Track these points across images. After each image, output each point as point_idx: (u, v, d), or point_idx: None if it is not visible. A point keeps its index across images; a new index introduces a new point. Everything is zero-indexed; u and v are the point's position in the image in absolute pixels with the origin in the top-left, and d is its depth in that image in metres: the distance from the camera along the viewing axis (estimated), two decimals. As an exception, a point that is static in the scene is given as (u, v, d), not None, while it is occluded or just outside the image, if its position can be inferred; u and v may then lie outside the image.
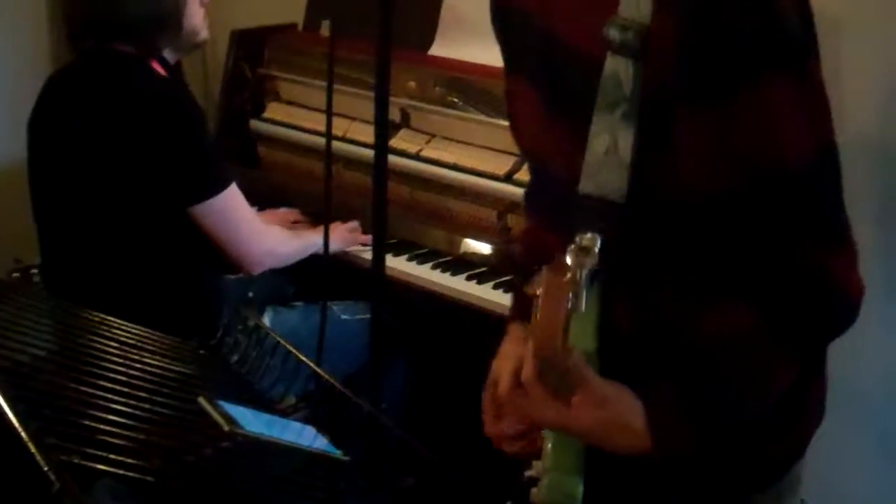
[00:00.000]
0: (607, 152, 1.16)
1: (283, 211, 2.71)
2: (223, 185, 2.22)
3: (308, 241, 2.44)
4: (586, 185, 1.18)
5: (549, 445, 1.16)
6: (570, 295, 0.97)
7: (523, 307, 1.35)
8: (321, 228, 2.49)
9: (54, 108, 2.28)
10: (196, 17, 2.32)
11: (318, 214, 2.69)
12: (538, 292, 0.97)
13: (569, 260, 0.98)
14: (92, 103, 2.19)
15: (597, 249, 0.98)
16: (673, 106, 1.14)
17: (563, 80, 1.25)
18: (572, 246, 0.98)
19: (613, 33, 1.13)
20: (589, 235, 1.00)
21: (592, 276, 1.02)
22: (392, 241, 2.51)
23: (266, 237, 2.35)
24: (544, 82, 1.28)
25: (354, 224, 2.57)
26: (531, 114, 1.33)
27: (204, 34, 2.38)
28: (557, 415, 1.12)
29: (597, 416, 1.13)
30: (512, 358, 1.23)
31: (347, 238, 2.55)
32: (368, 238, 2.45)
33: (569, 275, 0.98)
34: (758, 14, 1.11)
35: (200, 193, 2.20)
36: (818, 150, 1.16)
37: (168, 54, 2.30)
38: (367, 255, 2.39)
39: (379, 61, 1.49)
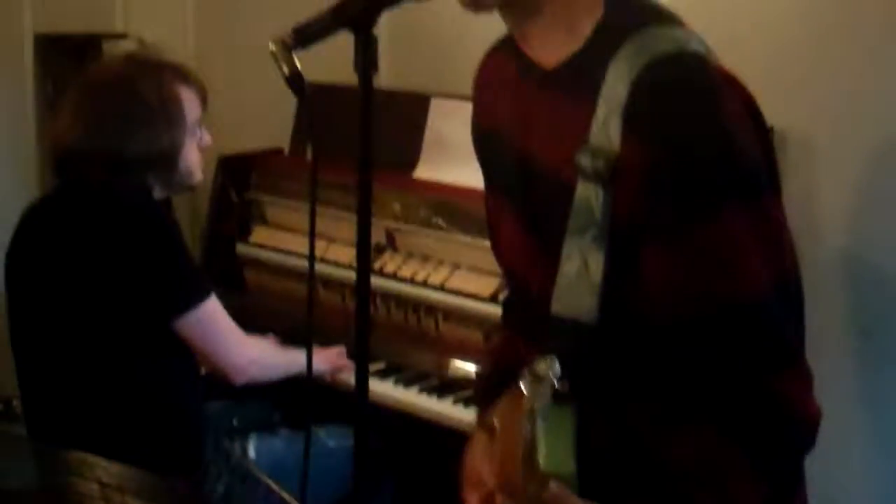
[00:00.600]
0: (578, 274, 1.19)
1: (262, 338, 2.67)
2: (203, 296, 2.21)
3: (295, 358, 2.42)
4: (557, 307, 1.21)
5: None
6: (528, 425, 0.96)
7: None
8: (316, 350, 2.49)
9: (30, 237, 2.28)
10: (192, 158, 2.32)
11: (302, 339, 2.68)
12: (496, 424, 0.95)
13: (524, 389, 0.98)
14: (67, 228, 2.19)
15: (552, 374, 0.97)
16: (639, 232, 1.17)
17: (538, 201, 1.28)
18: (527, 375, 0.97)
19: (584, 160, 1.17)
20: (543, 362, 0.99)
21: (562, 396, 1.01)
22: (378, 363, 2.50)
23: (251, 346, 2.34)
24: (520, 201, 1.31)
25: (341, 348, 2.55)
26: (509, 230, 1.37)
27: (198, 176, 2.38)
28: None
29: None
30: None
31: (334, 361, 2.52)
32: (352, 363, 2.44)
33: (525, 405, 0.96)
34: (719, 149, 1.16)
35: (181, 305, 2.18)
36: (775, 281, 1.19)
37: (156, 192, 2.30)
38: (353, 378, 2.40)
39: (361, 183, 1.49)
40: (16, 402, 2.51)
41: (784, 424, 1.20)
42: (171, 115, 2.24)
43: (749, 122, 1.20)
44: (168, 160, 2.25)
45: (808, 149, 2.19)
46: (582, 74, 1.22)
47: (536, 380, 0.98)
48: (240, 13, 3.40)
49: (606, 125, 1.17)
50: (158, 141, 2.22)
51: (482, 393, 1.63)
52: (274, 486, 1.45)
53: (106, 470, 1.38)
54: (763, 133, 1.23)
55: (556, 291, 1.21)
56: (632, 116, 1.16)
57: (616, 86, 1.16)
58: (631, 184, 1.16)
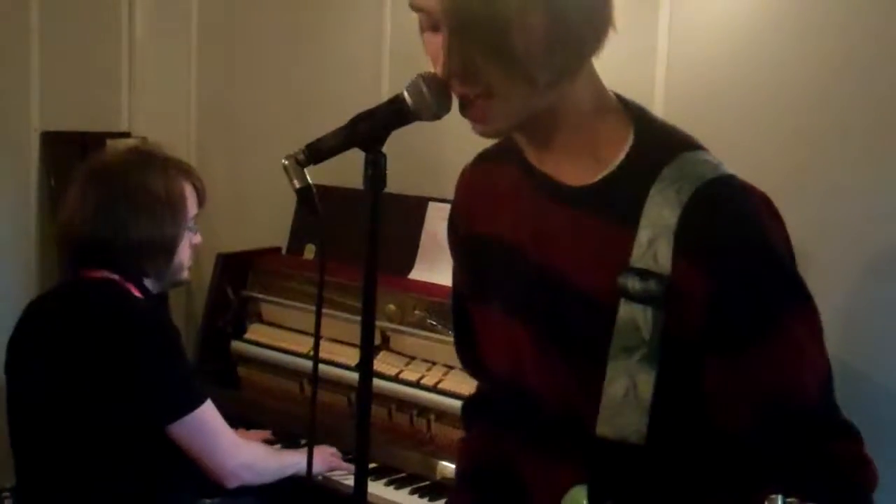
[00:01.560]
0: (626, 395, 1.19)
1: (254, 432, 2.71)
2: (197, 402, 2.22)
3: (288, 461, 2.42)
4: (604, 429, 1.21)
5: None
6: None
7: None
8: (303, 450, 2.49)
9: (33, 331, 2.30)
10: (185, 254, 2.36)
11: (294, 436, 2.69)
12: None
13: None
14: (69, 326, 2.21)
15: None
16: (699, 352, 1.20)
17: (565, 319, 1.28)
18: None
19: (633, 283, 1.18)
20: None
21: None
22: (371, 464, 2.49)
23: (244, 451, 2.34)
24: (540, 318, 1.31)
25: (334, 449, 2.56)
26: (511, 345, 1.36)
27: (186, 274, 2.42)
28: None
29: None
30: None
31: (330, 462, 2.52)
32: (350, 466, 2.44)
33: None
34: (773, 266, 1.21)
35: (176, 411, 2.19)
36: (824, 378, 1.25)
37: (150, 283, 2.33)
38: (348, 480, 2.40)
39: (366, 290, 1.52)
40: (6, 494, 2.49)
41: (849, 480, 1.23)
42: (174, 208, 2.29)
43: (783, 230, 1.26)
44: (166, 252, 2.29)
45: (802, 259, 2.22)
46: (615, 197, 1.24)
47: None
48: (241, 116, 3.49)
49: (654, 248, 1.19)
50: (160, 231, 2.27)
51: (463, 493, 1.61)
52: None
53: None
54: (788, 238, 1.28)
55: (602, 414, 1.21)
56: (685, 240, 1.18)
57: (663, 209, 1.19)
58: (687, 304, 1.18)
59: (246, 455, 2.34)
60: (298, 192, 1.24)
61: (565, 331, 1.28)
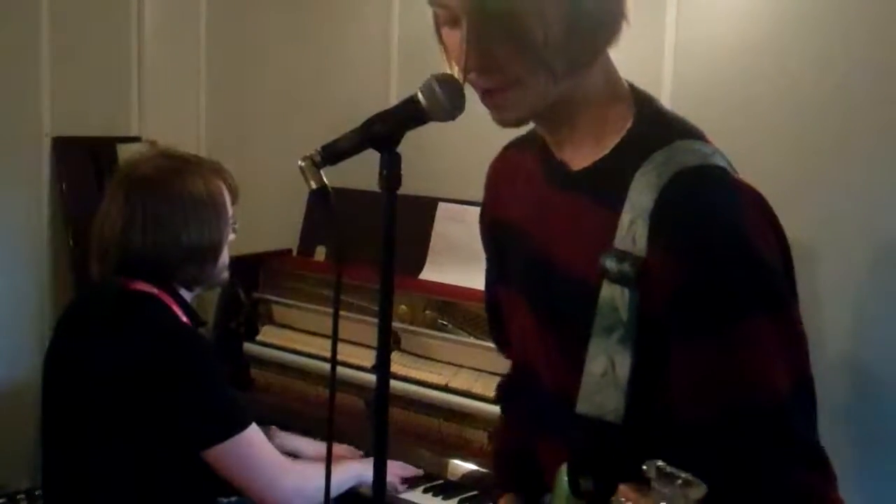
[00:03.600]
0: (605, 374, 1.21)
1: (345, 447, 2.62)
2: (241, 426, 2.17)
3: (346, 475, 2.36)
4: (583, 406, 1.23)
5: None
6: None
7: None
8: (365, 461, 2.46)
9: (74, 344, 2.26)
10: (226, 255, 2.35)
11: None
12: None
13: (670, 490, 0.94)
14: (114, 345, 2.18)
15: (702, 487, 0.94)
16: (667, 332, 1.20)
17: (556, 299, 1.31)
18: (676, 476, 0.94)
19: (610, 263, 1.20)
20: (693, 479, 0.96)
21: (586, 494, 1.02)
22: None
23: (291, 475, 2.24)
24: (538, 300, 1.35)
25: (407, 466, 2.51)
26: (523, 325, 1.40)
27: (227, 274, 2.41)
28: None
29: None
30: None
31: (398, 473, 2.47)
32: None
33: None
34: (745, 263, 1.20)
35: (216, 436, 2.15)
36: (795, 383, 1.22)
37: (189, 293, 2.31)
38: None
39: (383, 289, 1.53)
40: (20, 496, 2.51)
41: None
42: (217, 210, 2.28)
43: (771, 234, 1.25)
44: (213, 254, 2.28)
45: (811, 256, 2.24)
46: (605, 180, 1.27)
47: (687, 485, 0.95)
48: (250, 118, 3.51)
49: (632, 230, 1.21)
50: (209, 236, 2.25)
51: (503, 475, 1.65)
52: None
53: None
54: (783, 241, 1.27)
55: (581, 391, 1.23)
56: (659, 223, 1.20)
57: (643, 193, 1.21)
58: (659, 287, 1.19)
59: (294, 480, 2.24)
60: (315, 192, 1.25)
61: (558, 312, 1.31)
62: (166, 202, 2.22)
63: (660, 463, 0.93)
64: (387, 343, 1.55)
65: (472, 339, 2.57)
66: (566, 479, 1.27)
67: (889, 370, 2.21)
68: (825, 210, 2.27)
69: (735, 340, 1.18)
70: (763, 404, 1.20)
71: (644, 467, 0.93)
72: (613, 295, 1.21)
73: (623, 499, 0.96)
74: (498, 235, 1.49)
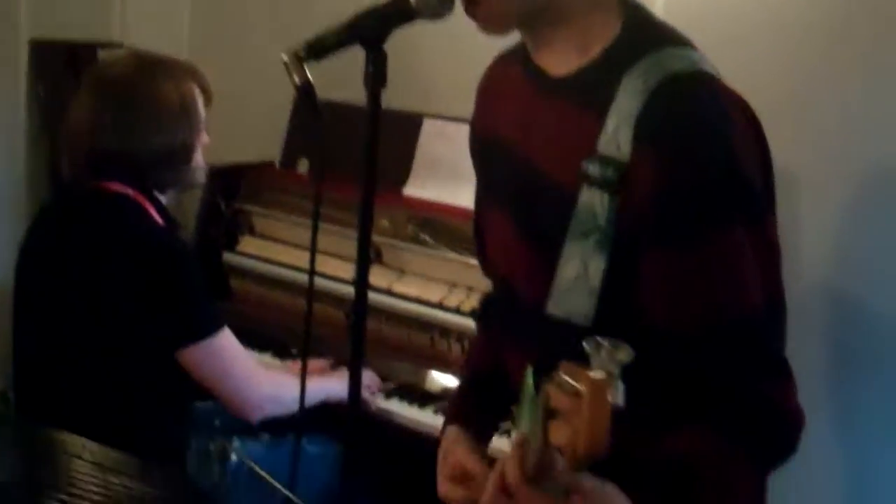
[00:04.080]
0: (577, 277, 1.22)
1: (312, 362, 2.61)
2: (215, 329, 2.19)
3: (318, 388, 2.37)
4: (553, 307, 1.24)
5: None
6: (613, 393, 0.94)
7: (463, 411, 1.50)
8: (339, 372, 2.50)
9: (48, 244, 2.27)
10: (200, 157, 2.35)
11: (288, 349, 2.72)
12: (580, 389, 0.94)
13: (602, 355, 0.96)
14: (89, 246, 2.19)
15: (629, 350, 0.97)
16: (642, 240, 1.20)
17: (537, 207, 1.31)
18: (605, 343, 0.96)
19: (592, 168, 1.21)
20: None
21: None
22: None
23: (265, 381, 2.28)
24: (519, 208, 1.35)
25: (375, 377, 2.54)
26: (501, 238, 1.40)
27: (202, 175, 2.42)
28: None
29: None
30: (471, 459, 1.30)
31: (367, 388, 2.48)
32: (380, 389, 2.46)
33: (604, 373, 0.95)
34: (727, 171, 1.20)
35: (190, 336, 2.17)
36: (768, 298, 1.24)
37: (163, 195, 2.31)
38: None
39: (363, 203, 1.53)
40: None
41: (775, 424, 1.24)
42: (189, 113, 2.27)
43: (755, 145, 1.25)
44: (185, 157, 2.28)
45: (792, 179, 2.24)
46: (591, 86, 1.26)
47: (615, 348, 0.97)
48: (235, 25, 3.45)
49: (617, 135, 1.20)
50: (179, 138, 2.25)
51: (458, 405, 1.66)
52: (265, 475, 1.48)
53: (96, 452, 1.41)
54: (765, 154, 1.27)
55: (552, 293, 1.24)
56: (644, 128, 1.19)
57: (630, 98, 1.21)
58: (639, 192, 1.19)
59: (268, 386, 2.28)
60: (299, 88, 1.24)
61: (538, 220, 1.31)
62: (137, 104, 2.22)
63: (598, 337, 0.96)
64: (366, 252, 1.56)
65: (453, 255, 2.58)
66: (532, 381, 1.28)
67: (867, 293, 2.24)
68: (809, 133, 2.26)
69: (713, 251, 1.20)
70: (738, 318, 1.22)
71: (584, 343, 0.95)
72: (593, 200, 1.21)
73: (563, 373, 0.98)
74: (484, 152, 1.48)
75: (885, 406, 2.21)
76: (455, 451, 1.50)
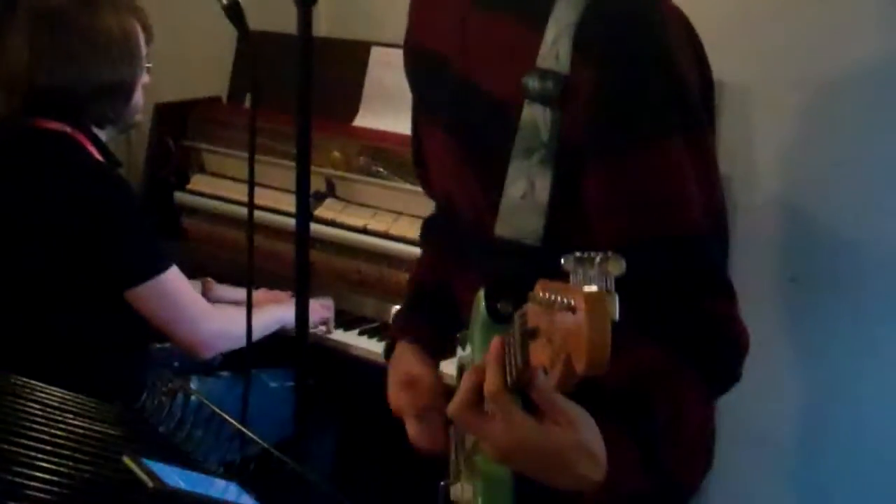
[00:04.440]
0: (524, 196, 1.20)
1: (262, 291, 2.61)
2: (162, 268, 2.17)
3: (269, 317, 2.36)
4: (502, 229, 1.22)
5: (479, 496, 1.15)
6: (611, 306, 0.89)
7: (412, 325, 1.49)
8: (288, 303, 2.45)
9: None
10: (139, 96, 2.31)
11: (242, 285, 2.69)
12: (575, 305, 0.88)
13: (590, 270, 0.91)
14: (30, 186, 2.16)
15: (621, 260, 0.93)
16: (585, 155, 1.19)
17: (478, 126, 1.29)
18: (596, 256, 0.92)
19: (532, 82, 1.18)
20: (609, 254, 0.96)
21: (503, 317, 1.02)
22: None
23: (215, 317, 2.27)
24: (459, 128, 1.32)
25: (327, 301, 2.53)
26: (443, 159, 1.38)
27: (140, 116, 2.38)
28: (522, 427, 1.06)
29: (569, 437, 1.07)
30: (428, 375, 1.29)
31: (319, 314, 2.48)
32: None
33: (600, 287, 0.90)
34: (666, 82, 1.18)
35: (137, 276, 2.15)
36: (709, 213, 1.22)
37: (102, 132, 2.27)
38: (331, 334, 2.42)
39: (299, 130, 1.51)
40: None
41: (722, 342, 1.23)
42: (130, 48, 2.22)
43: (694, 58, 1.23)
44: (126, 94, 2.24)
45: (745, 97, 2.23)
46: None
47: (606, 260, 0.93)
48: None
49: (556, 46, 1.18)
50: (119, 75, 2.20)
51: (404, 320, 1.64)
52: (216, 410, 1.47)
53: (47, 394, 1.39)
54: (704, 68, 1.26)
55: (500, 214, 1.22)
56: (582, 38, 1.17)
57: (568, 9, 1.18)
58: (580, 106, 1.17)
59: (218, 322, 2.27)
60: (226, 8, 1.21)
61: (479, 139, 1.29)
62: (76, 37, 2.16)
63: (577, 253, 0.91)
64: (306, 178, 1.54)
65: (407, 185, 2.56)
66: (484, 304, 1.27)
67: (819, 208, 2.25)
68: (759, 48, 2.25)
69: (652, 161, 1.18)
70: (680, 233, 1.20)
71: (562, 261, 0.92)
72: (535, 116, 1.19)
73: (541, 292, 0.94)
74: (419, 67, 1.45)
75: (840, 322, 2.23)
76: (402, 360, 1.50)
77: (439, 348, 1.56)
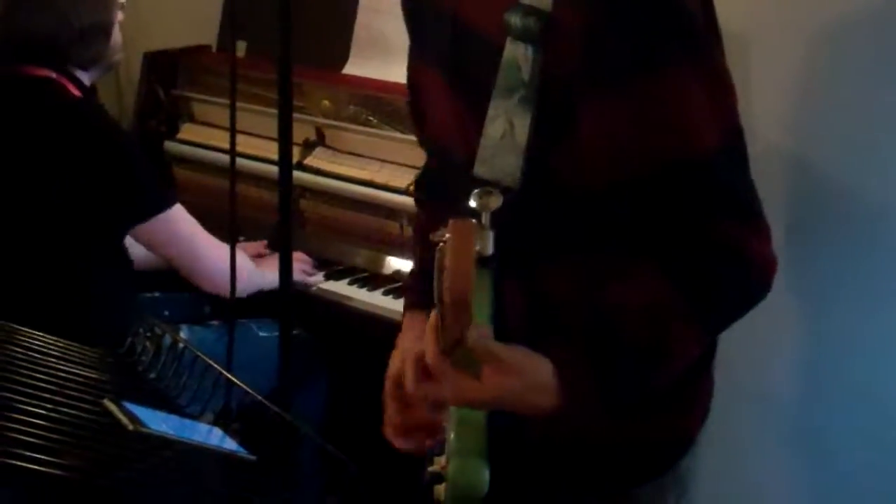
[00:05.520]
0: (503, 136, 1.18)
1: (249, 244, 2.63)
2: (167, 204, 2.19)
3: (272, 276, 2.38)
4: (480, 169, 1.20)
5: (452, 434, 1.15)
6: (478, 238, 0.91)
7: (419, 297, 1.42)
8: (275, 259, 2.46)
9: None
10: (118, 34, 2.30)
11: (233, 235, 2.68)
12: (444, 238, 0.91)
13: (473, 203, 0.94)
14: (12, 129, 2.15)
15: (499, 196, 0.95)
16: (576, 93, 1.16)
17: (468, 66, 1.27)
18: (476, 191, 0.93)
19: (514, 19, 1.15)
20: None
21: (484, 260, 1.02)
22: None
23: (223, 254, 2.22)
24: (452, 69, 1.30)
25: (306, 258, 2.52)
26: (437, 102, 1.36)
27: (120, 55, 2.37)
28: (468, 389, 1.09)
29: (509, 383, 1.10)
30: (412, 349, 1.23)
31: (305, 270, 2.48)
32: (313, 272, 2.45)
33: (475, 218, 0.92)
34: (660, 6, 1.14)
35: (142, 213, 2.17)
36: (724, 133, 1.19)
37: (84, 75, 2.26)
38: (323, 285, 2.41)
39: (281, 76, 1.49)
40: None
41: (740, 271, 1.20)
42: None
43: None
44: (104, 34, 2.23)
45: (743, 45, 2.21)
46: None
47: (486, 194, 0.94)
48: None
49: None
50: (99, 16, 2.20)
51: (412, 291, 1.61)
52: (201, 354, 1.46)
53: (31, 338, 1.39)
54: None
55: (479, 154, 1.20)
56: None
57: None
58: (566, 42, 1.15)
59: (224, 262, 2.28)
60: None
61: (469, 78, 1.27)
62: None
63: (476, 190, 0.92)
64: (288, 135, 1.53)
65: (398, 134, 2.54)
66: None
67: (819, 161, 2.23)
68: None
69: (653, 87, 1.14)
70: (690, 158, 1.17)
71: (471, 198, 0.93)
72: (516, 54, 1.16)
73: (441, 228, 0.94)
74: (416, 11, 1.43)
75: (842, 273, 2.22)
76: (405, 337, 1.47)
77: None
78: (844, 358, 2.25)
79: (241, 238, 2.64)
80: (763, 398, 2.32)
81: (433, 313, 1.07)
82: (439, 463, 1.19)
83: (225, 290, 2.25)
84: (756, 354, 2.18)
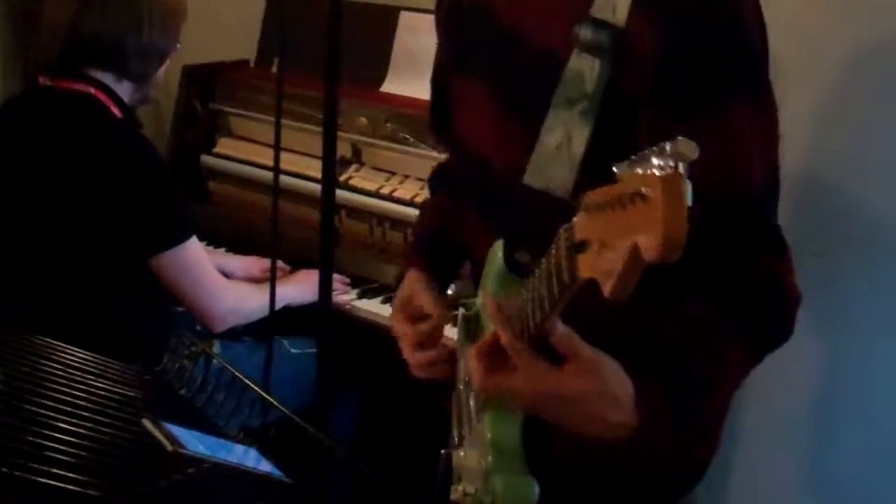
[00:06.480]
0: (559, 147, 1.18)
1: (252, 259, 2.64)
2: (183, 237, 2.18)
3: (279, 295, 2.40)
4: (532, 178, 1.20)
5: (489, 454, 1.13)
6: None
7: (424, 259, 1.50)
8: (295, 278, 2.48)
9: (11, 144, 2.24)
10: (163, 71, 2.33)
11: (265, 249, 2.69)
12: (648, 190, 0.82)
13: (670, 155, 0.85)
14: (53, 145, 2.16)
15: (696, 147, 0.86)
16: (638, 109, 1.16)
17: (518, 77, 1.26)
18: (666, 145, 0.86)
19: (585, 32, 1.15)
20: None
21: (521, 267, 1.00)
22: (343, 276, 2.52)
23: (228, 294, 2.29)
24: (501, 82, 1.30)
25: (340, 276, 2.51)
26: (479, 113, 1.35)
27: (155, 90, 2.39)
28: (547, 379, 1.05)
29: (590, 384, 1.07)
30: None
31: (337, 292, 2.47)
32: (345, 290, 2.45)
33: (675, 170, 0.85)
34: (734, 39, 1.16)
35: (159, 244, 2.17)
36: (769, 172, 1.22)
37: (127, 93, 2.27)
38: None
39: (327, 94, 1.49)
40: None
41: (772, 298, 1.22)
42: (177, 17, 2.26)
43: (759, 13, 1.20)
44: (161, 59, 2.27)
45: (775, 65, 2.19)
46: None
47: (682, 144, 0.88)
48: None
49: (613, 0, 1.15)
50: (165, 37, 2.23)
51: (418, 253, 1.62)
52: (237, 374, 1.46)
53: (69, 354, 1.40)
54: (763, 25, 1.22)
55: (531, 162, 1.20)
56: None
57: None
58: (637, 61, 1.15)
59: (231, 298, 2.29)
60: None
61: (521, 90, 1.26)
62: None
63: (632, 156, 0.86)
64: (332, 153, 1.53)
65: (433, 153, 2.53)
66: (501, 253, 1.25)
67: (847, 184, 2.22)
68: (793, 17, 2.20)
69: (718, 122, 1.15)
70: (740, 195, 1.19)
71: (615, 168, 0.87)
72: (582, 66, 1.16)
73: (594, 196, 0.89)
74: (459, 19, 1.41)
75: (857, 293, 2.20)
76: (406, 286, 1.51)
77: (447, 279, 1.53)
78: (860, 379, 2.23)
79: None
80: (777, 417, 2.30)
81: (494, 304, 1.06)
82: (457, 490, 1.18)
83: (230, 325, 2.30)
84: (771, 374, 2.17)
